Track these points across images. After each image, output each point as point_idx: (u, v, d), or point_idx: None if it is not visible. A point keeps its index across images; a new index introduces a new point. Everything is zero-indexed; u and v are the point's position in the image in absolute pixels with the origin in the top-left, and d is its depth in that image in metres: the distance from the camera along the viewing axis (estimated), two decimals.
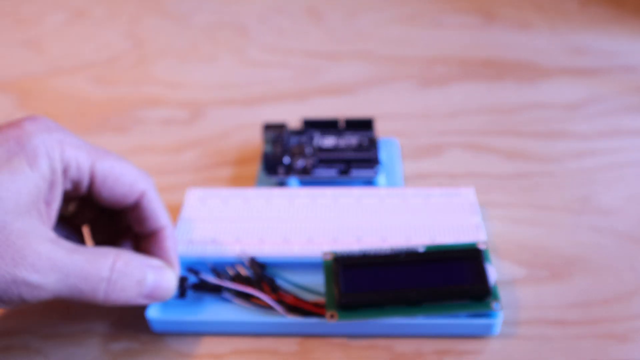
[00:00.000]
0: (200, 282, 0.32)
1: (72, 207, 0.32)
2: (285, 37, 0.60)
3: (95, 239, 0.33)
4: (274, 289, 0.31)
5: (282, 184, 0.39)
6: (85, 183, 0.28)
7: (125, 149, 0.36)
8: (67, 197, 0.29)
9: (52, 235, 0.26)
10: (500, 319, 0.30)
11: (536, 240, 0.36)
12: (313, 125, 0.41)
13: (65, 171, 0.27)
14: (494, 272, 0.30)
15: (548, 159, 0.42)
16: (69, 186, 0.28)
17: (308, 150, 0.39)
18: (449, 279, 0.30)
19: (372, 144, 0.39)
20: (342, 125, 0.41)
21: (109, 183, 0.29)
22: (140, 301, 0.28)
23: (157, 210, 0.30)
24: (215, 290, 0.31)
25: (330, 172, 0.38)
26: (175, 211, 0.38)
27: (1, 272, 0.24)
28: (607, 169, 0.41)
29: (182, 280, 0.31)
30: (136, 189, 0.29)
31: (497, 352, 0.30)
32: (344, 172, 0.38)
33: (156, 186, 0.31)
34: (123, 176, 0.29)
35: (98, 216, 0.32)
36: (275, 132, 0.41)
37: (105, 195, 0.29)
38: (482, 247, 0.31)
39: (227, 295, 0.32)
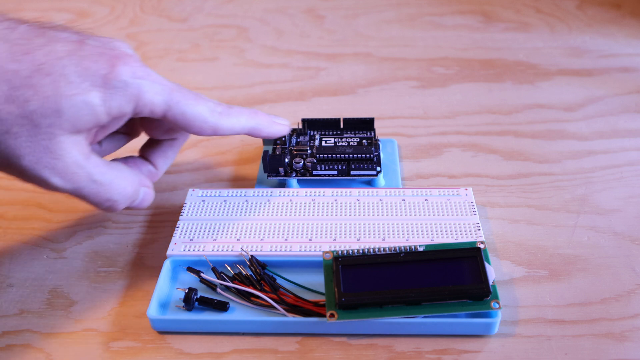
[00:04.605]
0: (206, 299, 0.32)
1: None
2: (285, 37, 0.60)
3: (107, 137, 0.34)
4: (274, 289, 0.32)
5: (282, 184, 0.39)
6: (151, 122, 0.34)
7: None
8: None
9: (89, 151, 0.29)
10: (499, 319, 0.30)
11: (535, 240, 0.36)
12: (313, 125, 0.41)
13: (137, 112, 0.30)
14: (492, 271, 0.30)
15: (546, 159, 0.42)
16: (132, 119, 0.31)
17: (308, 150, 0.40)
18: (448, 279, 0.30)
19: (372, 144, 0.39)
20: (342, 125, 0.41)
21: (173, 127, 0.32)
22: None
23: (187, 128, 0.32)
24: (221, 306, 0.32)
25: (330, 172, 0.38)
26: (175, 211, 0.38)
27: (35, 169, 0.28)
28: (605, 169, 0.41)
29: (190, 293, 0.31)
30: (194, 129, 0.32)
31: (496, 351, 0.30)
32: (344, 172, 0.38)
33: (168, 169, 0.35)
34: (190, 123, 0.31)
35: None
36: None
37: (164, 131, 0.34)
38: (481, 246, 0.31)
39: (227, 294, 0.32)
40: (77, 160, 0.29)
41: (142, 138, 0.36)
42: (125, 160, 0.35)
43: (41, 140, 0.27)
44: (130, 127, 0.35)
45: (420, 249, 0.31)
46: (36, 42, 0.28)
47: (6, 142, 0.27)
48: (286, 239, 0.34)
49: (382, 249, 0.31)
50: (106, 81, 0.28)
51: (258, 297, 0.31)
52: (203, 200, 0.37)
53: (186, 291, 0.31)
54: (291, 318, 0.30)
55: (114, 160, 0.34)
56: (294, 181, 0.39)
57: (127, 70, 0.29)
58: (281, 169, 0.38)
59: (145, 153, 0.36)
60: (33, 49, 0.27)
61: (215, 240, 0.34)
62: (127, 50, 0.31)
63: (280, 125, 0.36)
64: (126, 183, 0.31)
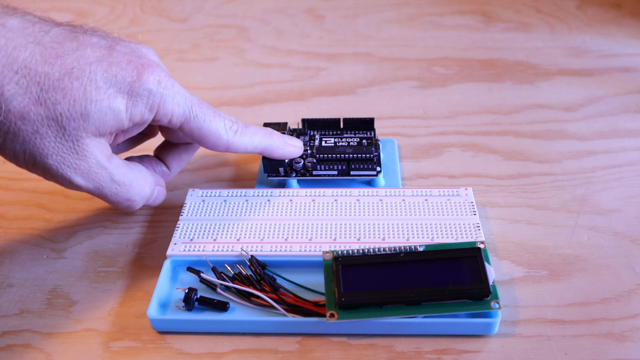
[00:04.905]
0: (206, 299, 0.32)
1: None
2: (285, 37, 0.60)
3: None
4: (274, 289, 0.32)
5: (282, 184, 0.39)
6: (165, 129, 0.35)
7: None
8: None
9: (110, 153, 0.31)
10: (499, 319, 0.30)
11: (535, 240, 0.36)
12: (313, 125, 0.41)
13: (156, 120, 0.31)
14: (492, 271, 0.30)
15: (546, 159, 0.42)
16: (150, 125, 0.32)
17: (308, 150, 0.40)
18: (448, 279, 0.30)
19: (372, 144, 0.39)
20: (342, 125, 0.41)
21: (190, 138, 0.33)
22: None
23: (201, 142, 0.33)
24: (221, 306, 0.32)
25: (330, 172, 0.38)
26: (175, 211, 0.38)
27: (59, 169, 0.29)
28: (605, 169, 0.41)
29: (190, 293, 0.31)
30: (208, 144, 0.33)
31: (496, 351, 0.30)
32: (344, 172, 0.38)
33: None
34: (204, 138, 0.32)
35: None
36: None
37: (175, 139, 0.36)
38: (481, 246, 0.31)
39: (227, 294, 0.32)
40: (100, 161, 0.30)
41: (158, 137, 0.37)
42: (141, 159, 0.36)
43: (67, 141, 0.29)
44: (149, 129, 0.36)
45: (420, 249, 0.31)
46: (68, 46, 0.29)
47: (34, 141, 0.28)
48: (286, 239, 0.34)
49: (382, 249, 0.31)
50: (132, 88, 0.29)
51: (258, 297, 0.31)
52: (203, 200, 0.37)
53: (186, 291, 0.31)
54: (291, 318, 0.30)
55: (131, 159, 0.35)
56: (294, 181, 0.39)
57: (153, 79, 0.30)
58: (281, 169, 0.38)
59: (160, 154, 0.37)
60: (64, 53, 0.28)
61: (215, 240, 0.34)
62: (154, 58, 0.32)
63: (293, 147, 0.37)
64: (145, 183, 0.33)
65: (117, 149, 0.36)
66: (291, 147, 0.37)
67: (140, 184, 0.32)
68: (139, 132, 0.33)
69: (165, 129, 0.36)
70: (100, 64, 0.29)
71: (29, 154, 0.29)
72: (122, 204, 0.32)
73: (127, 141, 0.36)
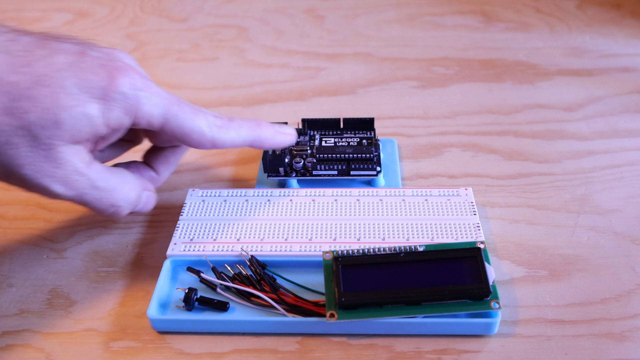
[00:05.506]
0: (206, 299, 0.32)
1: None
2: (285, 37, 0.60)
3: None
4: (274, 289, 0.32)
5: (282, 184, 0.39)
6: (153, 131, 0.34)
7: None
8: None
9: (90, 159, 0.30)
10: (499, 319, 0.30)
11: (535, 240, 0.36)
12: (313, 125, 0.41)
13: (135, 123, 0.30)
14: (492, 271, 0.30)
15: (546, 159, 0.42)
16: (131, 128, 0.31)
17: (308, 150, 0.40)
18: (448, 279, 0.30)
19: (372, 144, 0.39)
20: (342, 125, 0.41)
21: (171, 139, 0.32)
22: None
23: (185, 141, 0.32)
24: (221, 306, 0.32)
25: (330, 172, 0.38)
26: (175, 211, 0.38)
27: (36, 178, 0.28)
28: (605, 169, 0.41)
29: (190, 293, 0.31)
30: (191, 142, 0.32)
31: (496, 351, 0.30)
32: (344, 172, 0.38)
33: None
34: (187, 136, 0.31)
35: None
36: None
37: (166, 139, 0.34)
38: (481, 246, 0.31)
39: (227, 294, 0.32)
40: (78, 168, 0.29)
41: (147, 143, 0.37)
42: (128, 165, 0.35)
43: (41, 150, 0.28)
44: (133, 135, 0.35)
45: (420, 249, 0.31)
46: (37, 53, 0.28)
47: (6, 152, 0.27)
48: (286, 239, 0.34)
49: (382, 249, 0.31)
50: (105, 93, 0.28)
51: (258, 297, 0.31)
52: (203, 200, 0.37)
53: (186, 291, 0.31)
54: (291, 318, 0.30)
55: (117, 165, 0.34)
56: (294, 181, 0.39)
57: (127, 82, 0.29)
58: (281, 169, 0.38)
59: (148, 159, 0.36)
60: (34, 61, 0.28)
61: (215, 240, 0.34)
62: (128, 61, 0.31)
63: (285, 135, 0.36)
64: (129, 188, 0.32)
65: (102, 156, 0.35)
66: (281, 136, 0.35)
67: (125, 189, 0.31)
68: (119, 137, 0.32)
69: (149, 133, 0.35)
70: (71, 70, 0.28)
71: (3, 166, 0.28)
72: (107, 210, 0.31)
73: (112, 149, 0.35)
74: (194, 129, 0.31)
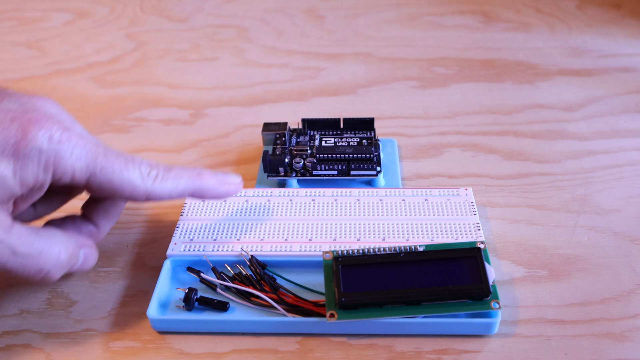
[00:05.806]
0: (206, 299, 0.32)
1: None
2: (285, 37, 0.60)
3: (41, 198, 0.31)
4: (274, 289, 0.32)
5: (282, 184, 0.39)
6: (75, 188, 0.29)
7: (127, 149, 0.37)
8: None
9: (10, 223, 0.27)
10: (499, 319, 0.30)
11: (535, 240, 0.36)
12: (313, 125, 0.41)
13: (56, 179, 0.27)
14: (492, 271, 0.30)
15: (546, 159, 0.42)
16: (54, 185, 0.28)
17: (308, 150, 0.40)
18: (448, 279, 0.30)
19: (372, 144, 0.39)
20: (342, 125, 0.41)
21: (102, 194, 0.29)
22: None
23: (117, 192, 0.29)
24: (221, 306, 0.32)
25: (330, 172, 0.38)
26: (176, 211, 0.38)
27: None
28: (605, 169, 0.41)
29: (190, 293, 0.31)
30: (123, 195, 0.29)
31: (496, 351, 0.30)
32: (344, 172, 0.38)
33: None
34: (118, 191, 0.29)
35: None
36: (275, 132, 0.41)
37: (98, 193, 0.29)
38: (481, 246, 0.31)
39: (227, 294, 0.32)
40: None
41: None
42: (63, 221, 0.32)
43: None
44: (68, 186, 0.30)
45: (420, 249, 0.31)
46: None
47: None
48: (286, 239, 0.34)
49: (382, 249, 0.31)
50: (17, 149, 0.26)
51: (258, 297, 0.31)
52: (203, 200, 0.37)
53: (186, 291, 0.31)
54: (291, 318, 0.30)
55: (47, 224, 0.32)
56: (294, 181, 0.39)
57: (42, 135, 0.26)
58: (281, 169, 0.38)
59: (87, 212, 0.32)
60: None
61: (215, 240, 0.34)
62: (48, 109, 0.28)
63: (229, 185, 0.32)
64: (59, 249, 0.28)
65: (35, 213, 0.32)
66: (226, 186, 0.32)
67: (53, 252, 0.28)
68: (41, 194, 0.28)
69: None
70: None
71: None
72: (34, 277, 0.27)
73: (46, 204, 0.32)
74: (124, 181, 0.28)
